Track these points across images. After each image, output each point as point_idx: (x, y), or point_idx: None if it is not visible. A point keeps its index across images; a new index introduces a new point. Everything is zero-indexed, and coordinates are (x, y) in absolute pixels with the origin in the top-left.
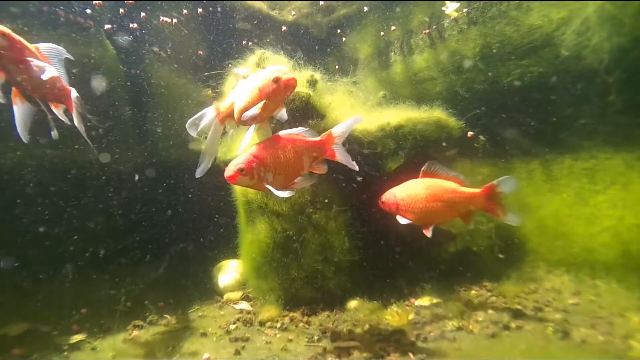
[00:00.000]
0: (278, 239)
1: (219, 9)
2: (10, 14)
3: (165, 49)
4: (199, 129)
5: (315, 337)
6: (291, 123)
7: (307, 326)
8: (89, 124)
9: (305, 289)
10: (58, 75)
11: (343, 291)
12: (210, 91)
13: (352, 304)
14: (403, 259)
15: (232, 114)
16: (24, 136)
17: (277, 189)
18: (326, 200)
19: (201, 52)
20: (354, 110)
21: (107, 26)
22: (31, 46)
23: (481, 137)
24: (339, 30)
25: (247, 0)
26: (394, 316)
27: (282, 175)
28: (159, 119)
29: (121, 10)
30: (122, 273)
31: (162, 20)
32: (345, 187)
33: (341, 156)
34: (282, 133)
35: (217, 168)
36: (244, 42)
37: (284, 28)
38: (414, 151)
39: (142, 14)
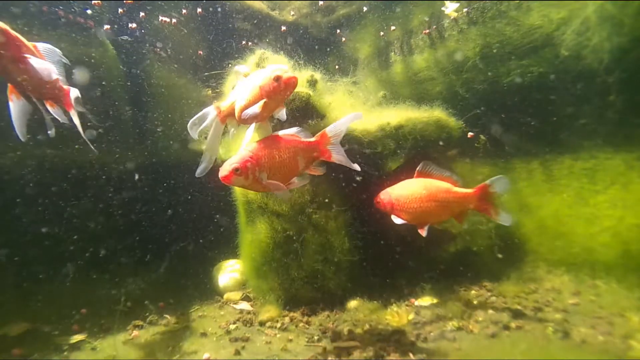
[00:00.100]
0: (278, 239)
1: (219, 9)
2: (10, 14)
3: (165, 49)
4: (200, 129)
5: (315, 337)
6: (291, 123)
7: (307, 326)
8: (88, 124)
9: (305, 289)
10: (57, 74)
11: (343, 291)
12: (210, 91)
13: (352, 304)
14: (403, 259)
15: (233, 113)
16: (21, 134)
17: (270, 190)
18: (326, 200)
19: (201, 52)
20: (354, 111)
21: (106, 26)
22: (29, 44)
23: (482, 137)
24: (338, 30)
25: (247, 0)
26: (394, 316)
27: (277, 176)
28: (159, 118)
29: (120, 10)
30: (122, 273)
31: (161, 20)
32: (345, 187)
33: (338, 157)
34: (276, 133)
35: (218, 168)
36: (244, 42)
37: (283, 28)
38: (414, 151)
39: (142, 14)
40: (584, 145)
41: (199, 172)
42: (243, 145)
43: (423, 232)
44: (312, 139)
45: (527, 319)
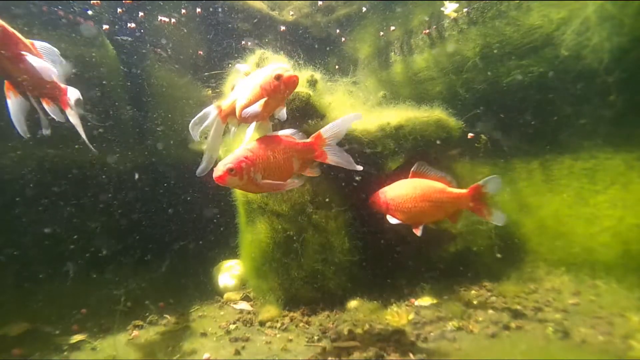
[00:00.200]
0: (278, 239)
1: (219, 9)
2: (11, 14)
3: (165, 49)
4: (201, 129)
5: (315, 337)
6: (291, 123)
7: (307, 326)
8: (88, 123)
9: (305, 289)
10: (55, 72)
11: (343, 291)
12: (210, 91)
13: (352, 304)
14: (403, 259)
15: (234, 111)
16: (22, 131)
17: (264, 190)
18: (326, 200)
19: (201, 52)
20: (354, 111)
21: (105, 26)
22: (27, 41)
23: (482, 136)
24: (338, 30)
25: (247, 0)
26: (394, 316)
27: (272, 177)
28: (159, 118)
29: (119, 10)
30: (122, 273)
31: (161, 19)
32: (346, 187)
33: (335, 158)
34: (271, 134)
35: None
36: (243, 42)
37: (282, 28)
38: (414, 151)
39: (140, 14)
40: (584, 145)
41: (199, 171)
42: (243, 144)
43: (418, 232)
44: (307, 140)
45: (527, 319)
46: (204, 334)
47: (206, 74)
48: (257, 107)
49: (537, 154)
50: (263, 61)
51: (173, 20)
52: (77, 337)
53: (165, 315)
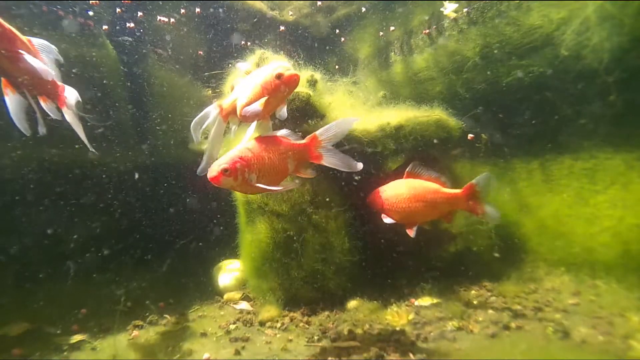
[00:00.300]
0: (278, 239)
1: (219, 10)
2: (11, 14)
3: (165, 49)
4: (203, 128)
5: (315, 337)
6: (291, 123)
7: (307, 326)
8: (88, 124)
9: (305, 289)
10: (52, 70)
11: (343, 291)
12: (210, 91)
13: (352, 304)
14: (403, 259)
15: (235, 110)
16: (23, 128)
17: (259, 191)
18: (326, 200)
19: (201, 52)
20: (354, 110)
21: (105, 27)
22: (24, 38)
23: (483, 136)
24: (337, 30)
25: (247, 0)
26: (394, 316)
27: (267, 177)
28: (159, 118)
29: (118, 10)
30: (123, 273)
31: (160, 19)
32: (346, 187)
33: (330, 160)
34: (266, 135)
35: None
36: (243, 42)
37: (281, 28)
38: (414, 151)
39: (139, 14)
40: (584, 145)
41: (200, 170)
42: (240, 144)
43: (411, 233)
44: (303, 141)
45: (527, 319)
46: (204, 334)
47: (206, 73)
48: (258, 105)
49: (537, 154)
50: (263, 61)
51: (172, 20)
52: (77, 337)
53: (165, 315)
